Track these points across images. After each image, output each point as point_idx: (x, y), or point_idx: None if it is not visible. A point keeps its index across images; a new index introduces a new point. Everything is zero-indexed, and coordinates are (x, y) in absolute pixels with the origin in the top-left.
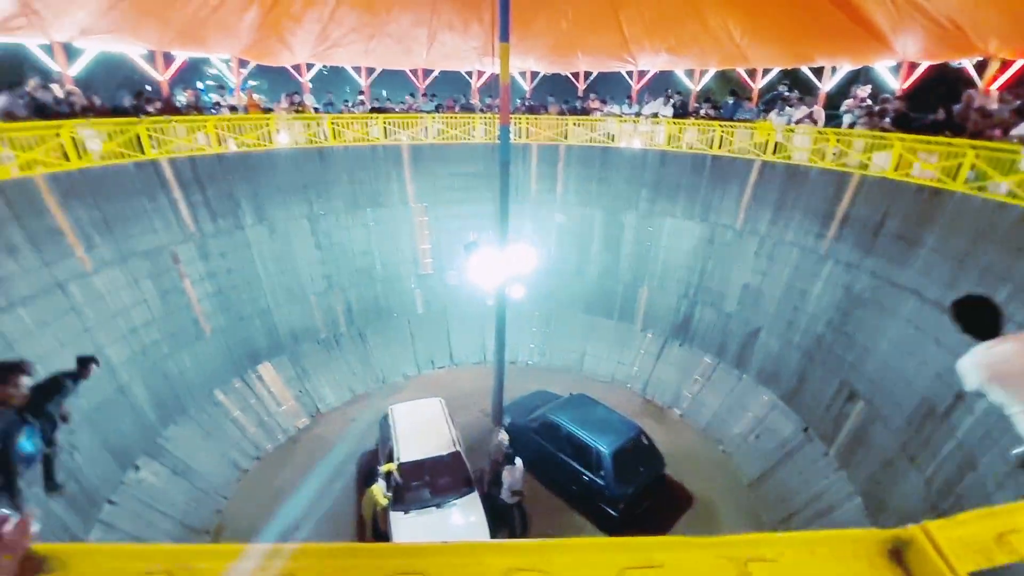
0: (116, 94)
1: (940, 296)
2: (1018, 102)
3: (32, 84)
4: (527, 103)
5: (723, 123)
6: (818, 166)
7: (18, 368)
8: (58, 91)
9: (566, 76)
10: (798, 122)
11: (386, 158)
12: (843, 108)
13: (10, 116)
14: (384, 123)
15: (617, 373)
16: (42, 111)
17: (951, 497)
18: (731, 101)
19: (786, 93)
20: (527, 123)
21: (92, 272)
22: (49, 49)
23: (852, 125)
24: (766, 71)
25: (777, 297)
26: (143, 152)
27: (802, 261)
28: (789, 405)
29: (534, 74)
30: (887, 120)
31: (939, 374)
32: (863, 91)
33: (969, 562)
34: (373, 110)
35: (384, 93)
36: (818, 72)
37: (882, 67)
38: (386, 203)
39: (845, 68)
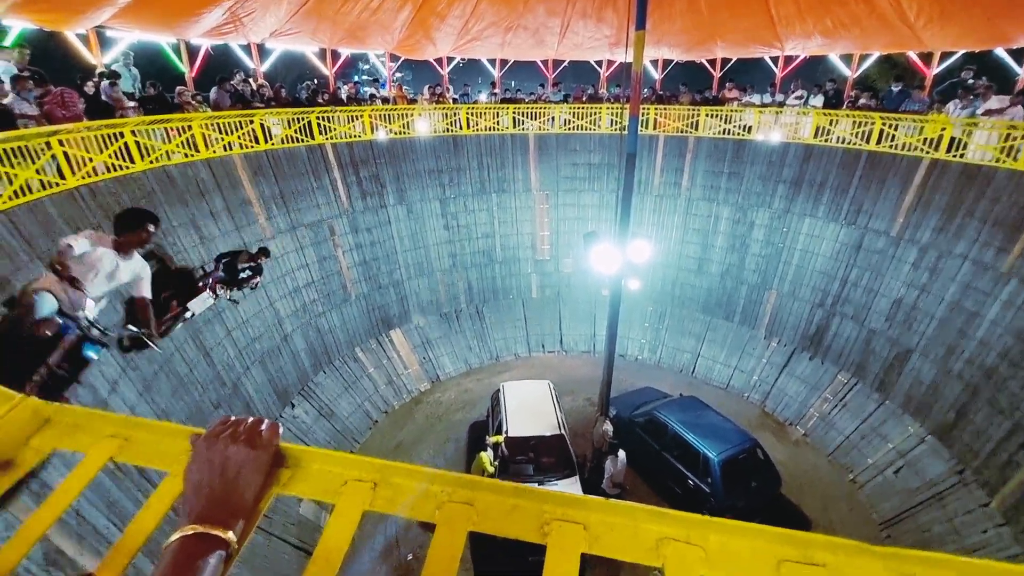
0: (294, 87)
1: None
2: None
3: (238, 79)
4: (657, 92)
5: (884, 115)
6: (1007, 167)
7: (151, 218)
8: (253, 85)
9: (700, 64)
10: (986, 114)
11: (513, 147)
12: None
13: (216, 106)
14: (513, 113)
15: (734, 380)
16: (241, 101)
17: None
18: (896, 89)
19: (971, 80)
20: (655, 113)
21: (271, 237)
22: (247, 49)
23: None
24: (945, 55)
25: (937, 317)
26: (312, 137)
27: (975, 278)
28: (942, 442)
29: (666, 62)
30: None
31: None
32: None
33: None
34: (503, 101)
35: (514, 83)
36: (1019, 55)
37: None
38: (510, 190)
39: None
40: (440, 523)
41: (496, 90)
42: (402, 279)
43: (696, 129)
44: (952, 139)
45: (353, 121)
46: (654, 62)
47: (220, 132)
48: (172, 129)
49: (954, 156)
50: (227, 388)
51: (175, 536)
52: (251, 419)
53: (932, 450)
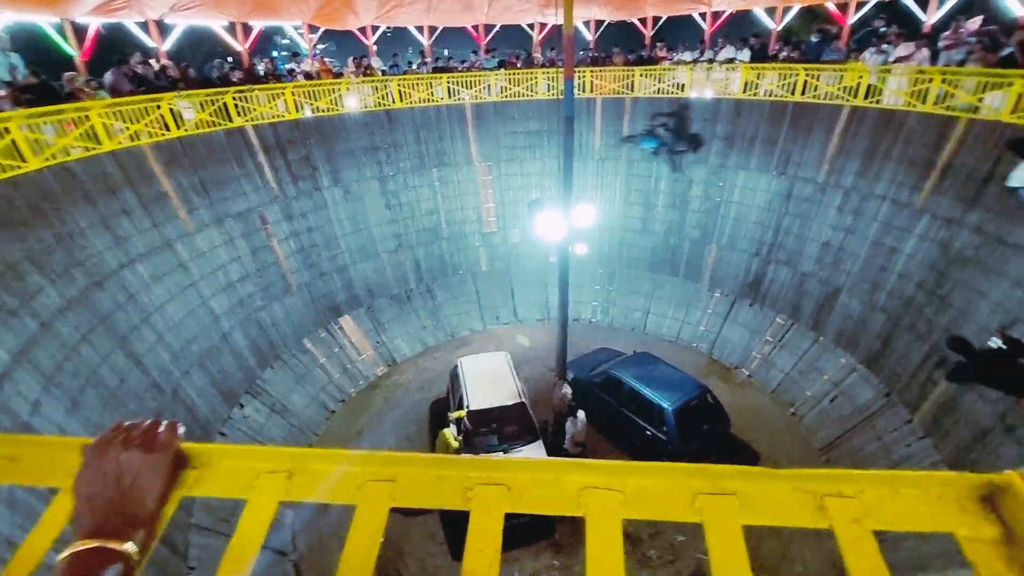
0: (204, 66)
1: None
2: None
3: (135, 60)
4: (591, 54)
5: (807, 66)
6: (917, 110)
7: None
8: (155, 66)
9: (631, 23)
10: (896, 61)
11: (450, 118)
12: (940, 43)
13: (115, 91)
14: (447, 83)
15: (683, 332)
16: (143, 84)
17: None
18: (816, 40)
19: (883, 29)
20: (591, 76)
21: (194, 232)
22: (144, 26)
23: (961, 63)
24: (860, 5)
25: (861, 256)
26: (230, 120)
27: (893, 217)
28: (870, 370)
29: (598, 23)
30: (1007, 55)
31: None
32: (971, 23)
33: None
34: (436, 70)
35: (446, 52)
36: (924, 3)
37: None
38: (451, 163)
39: None
40: (360, 503)
41: (427, 59)
42: (346, 264)
43: (632, 90)
44: (869, 86)
45: (275, 100)
46: (586, 23)
47: (124, 120)
48: (67, 122)
49: (872, 102)
50: (166, 395)
51: (66, 552)
52: (147, 422)
53: (862, 378)
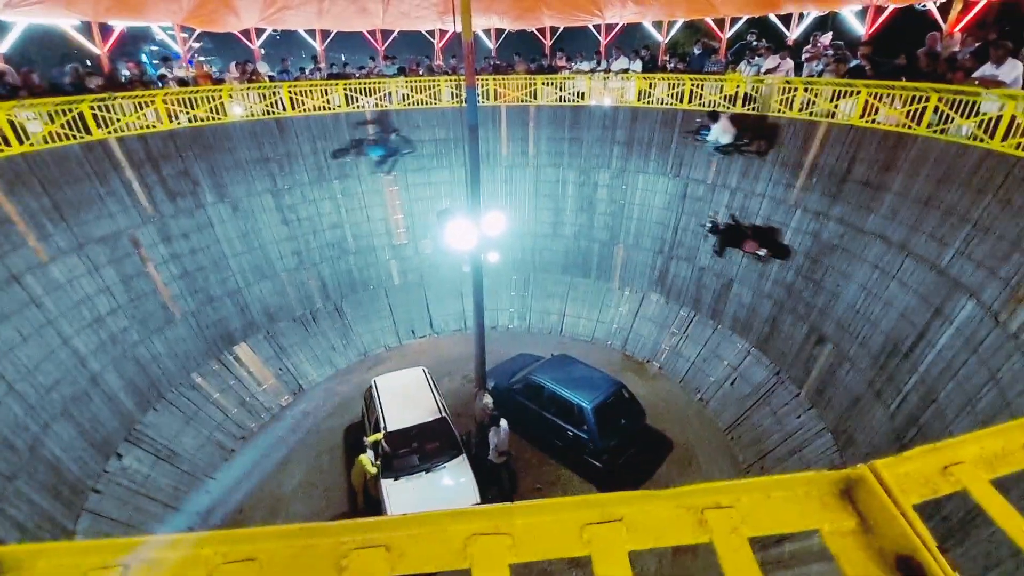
0: (53, 71)
1: (904, 239)
2: (978, 44)
3: None
4: (493, 63)
5: (692, 76)
6: (787, 116)
7: None
8: None
9: (532, 33)
10: (767, 72)
11: (349, 127)
12: (803, 56)
13: None
14: (344, 90)
15: (597, 331)
16: None
17: (913, 428)
18: (698, 52)
19: (755, 43)
20: (495, 84)
21: (48, 262)
22: None
23: (820, 73)
24: (734, 20)
25: None
26: (89, 132)
27: (773, 212)
28: (762, 352)
29: (499, 32)
30: (854, 66)
31: (903, 313)
32: (824, 39)
33: (914, 495)
34: (331, 76)
35: (342, 57)
36: (786, 20)
37: (849, 12)
38: (353, 173)
39: (812, 15)
40: None
41: (321, 64)
42: (239, 286)
43: (535, 98)
44: (746, 94)
45: (143, 109)
46: (487, 32)
47: None
48: None
49: (749, 109)
50: (22, 454)
51: None
52: None
53: (755, 360)
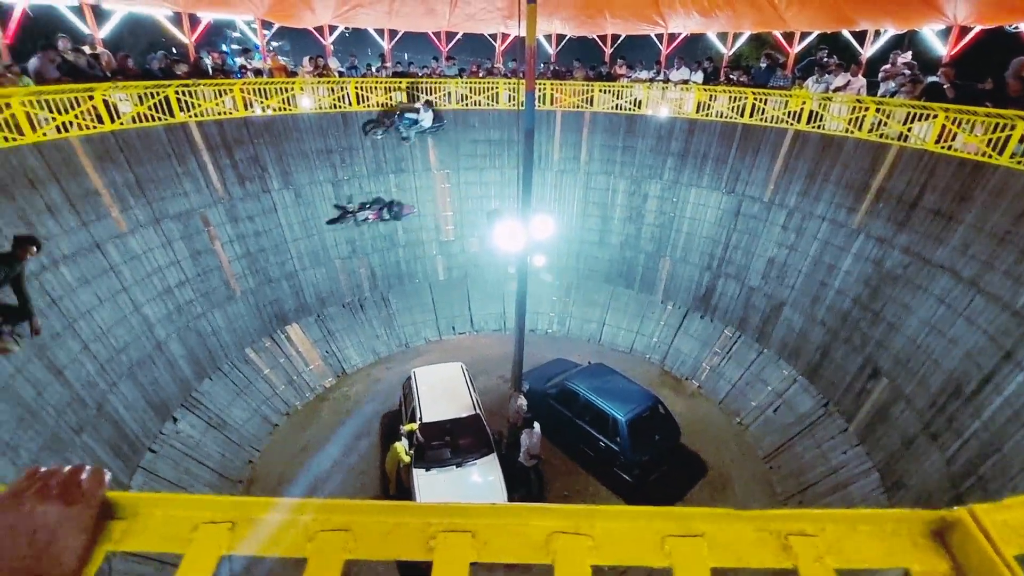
0: (145, 57)
1: (976, 274)
2: None
3: (63, 45)
4: (552, 67)
5: (755, 90)
6: (854, 137)
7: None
8: (88, 53)
9: (592, 39)
10: (836, 90)
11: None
12: (880, 75)
13: (40, 78)
14: (407, 88)
15: (636, 344)
16: (73, 73)
17: (972, 478)
18: (764, 66)
19: (824, 59)
20: (552, 88)
21: (127, 232)
22: (79, 11)
23: (893, 94)
24: (804, 35)
25: (803, 272)
26: (172, 115)
27: (832, 235)
28: (810, 380)
29: (560, 37)
30: (935, 88)
31: (969, 353)
32: (903, 57)
33: (1014, 546)
34: (395, 74)
35: (406, 56)
36: (860, 37)
37: (930, 31)
38: (408, 169)
39: (889, 33)
40: (311, 555)
41: (387, 63)
42: (295, 270)
43: (591, 104)
44: (811, 112)
45: (222, 96)
46: (548, 37)
47: (50, 111)
48: None
49: (814, 127)
50: (90, 410)
51: None
52: (67, 468)
53: (802, 388)
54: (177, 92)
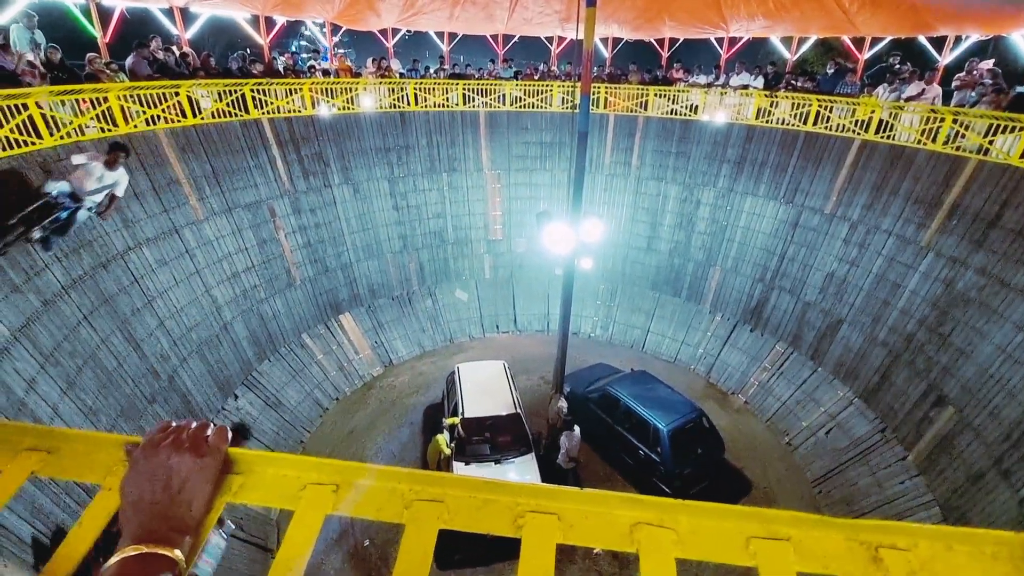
0: (224, 57)
1: None
2: None
3: (155, 45)
4: (607, 71)
5: (820, 97)
6: (927, 148)
7: (122, 148)
8: (176, 52)
9: (649, 43)
10: (908, 99)
11: (463, 124)
12: (954, 83)
13: (134, 75)
14: (463, 89)
15: (681, 353)
16: (163, 70)
17: None
18: (831, 72)
19: (897, 65)
20: (606, 92)
21: (203, 220)
22: (169, 13)
23: (974, 104)
24: (875, 40)
25: (865, 289)
26: (247, 112)
27: (898, 252)
28: (867, 404)
29: (616, 41)
30: (1017, 98)
31: None
32: (985, 65)
33: None
34: (452, 76)
35: (463, 58)
36: (937, 43)
37: (1019, 37)
38: (461, 168)
39: (971, 39)
40: (408, 522)
41: (445, 65)
42: (350, 262)
43: (645, 109)
44: (880, 121)
45: (292, 95)
46: (604, 40)
47: (141, 105)
48: (84, 101)
49: (882, 137)
50: (162, 381)
51: (115, 559)
52: (195, 424)
53: (858, 411)
54: (252, 90)
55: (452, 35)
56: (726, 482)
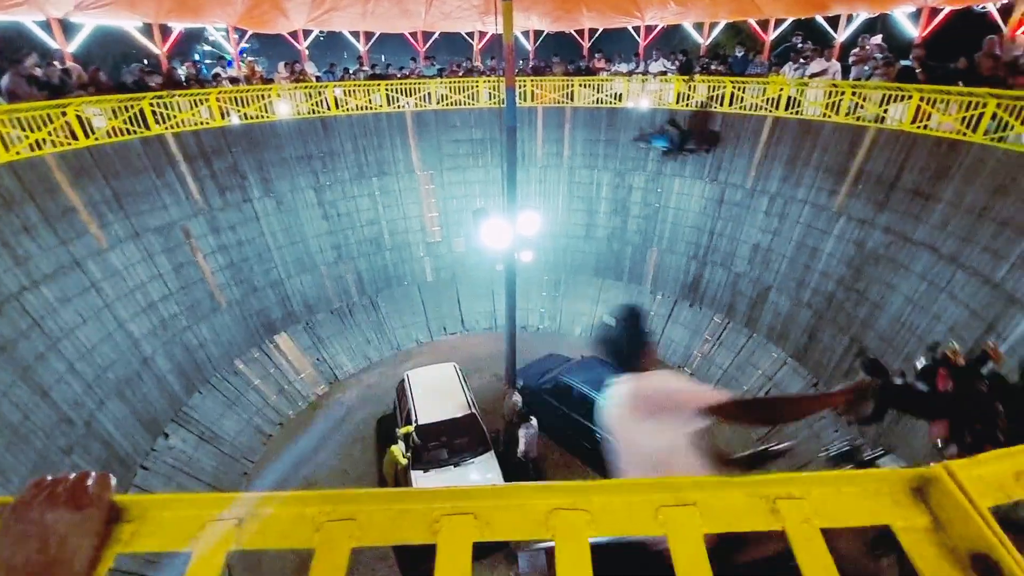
0: (116, 70)
1: (956, 251)
2: None
3: (31, 62)
4: (531, 64)
5: (733, 79)
6: (832, 121)
7: None
8: (58, 68)
9: (570, 34)
10: (813, 76)
11: (390, 126)
12: (851, 59)
13: (13, 96)
14: (386, 90)
15: None
16: (48, 89)
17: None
18: (741, 55)
19: (800, 45)
20: (532, 85)
21: (107, 249)
22: (46, 25)
23: (868, 77)
24: (779, 22)
25: (787, 256)
26: (148, 128)
27: (814, 219)
28: (799, 362)
29: (537, 33)
30: (908, 70)
31: (952, 328)
32: (875, 40)
33: (989, 498)
34: (373, 76)
35: (383, 58)
36: (833, 22)
37: (901, 14)
38: (391, 171)
39: (862, 17)
40: (319, 546)
41: (364, 65)
42: (281, 278)
43: (572, 99)
44: (789, 98)
45: (198, 106)
46: (525, 33)
47: (23, 128)
48: None
49: (792, 113)
50: (78, 429)
51: None
52: (73, 475)
53: (792, 370)
54: (152, 104)
55: (369, 34)
56: None
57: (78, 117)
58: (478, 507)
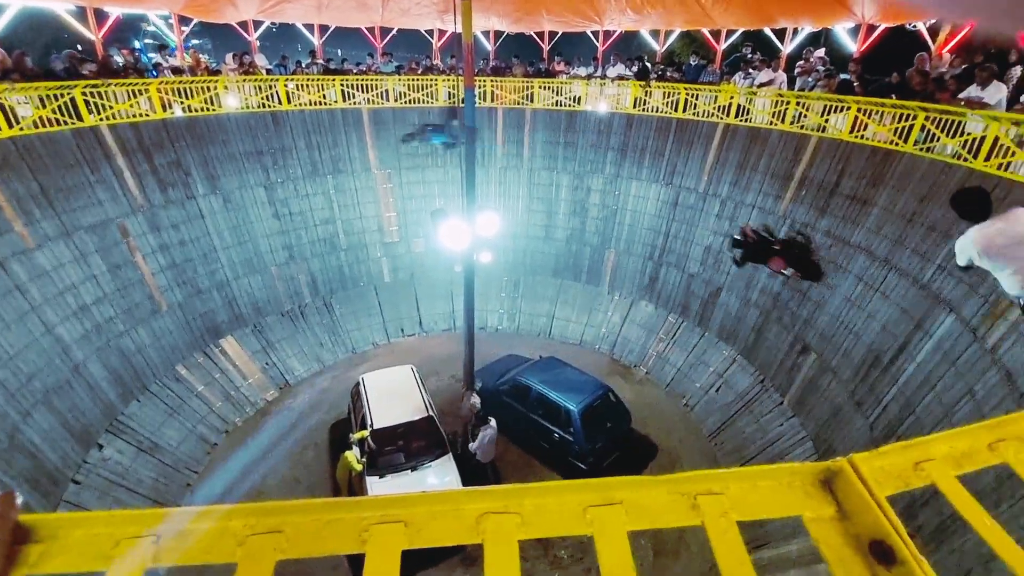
0: (44, 56)
1: (888, 253)
2: (964, 66)
3: None
4: (491, 64)
5: (687, 86)
6: (778, 128)
7: None
8: None
9: (530, 36)
10: (761, 85)
11: (345, 123)
12: (796, 71)
13: None
14: (341, 85)
15: (586, 335)
16: None
17: (892, 439)
18: (694, 63)
19: (749, 55)
20: (492, 86)
21: (34, 248)
22: None
23: (812, 88)
24: (730, 32)
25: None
26: (80, 119)
27: (761, 222)
28: (747, 360)
29: (498, 34)
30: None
31: (885, 326)
32: (818, 53)
33: (888, 487)
34: (327, 71)
35: (339, 53)
36: (780, 34)
37: (842, 29)
38: (347, 170)
39: (806, 30)
40: (241, 560)
41: (318, 59)
42: (227, 279)
43: (532, 101)
44: (739, 106)
45: (137, 96)
46: (486, 33)
47: None
48: None
49: (741, 121)
50: (0, 443)
51: None
52: None
53: (740, 367)
54: (84, 93)
55: (324, 27)
56: (635, 450)
57: (1, 105)
58: (409, 515)
